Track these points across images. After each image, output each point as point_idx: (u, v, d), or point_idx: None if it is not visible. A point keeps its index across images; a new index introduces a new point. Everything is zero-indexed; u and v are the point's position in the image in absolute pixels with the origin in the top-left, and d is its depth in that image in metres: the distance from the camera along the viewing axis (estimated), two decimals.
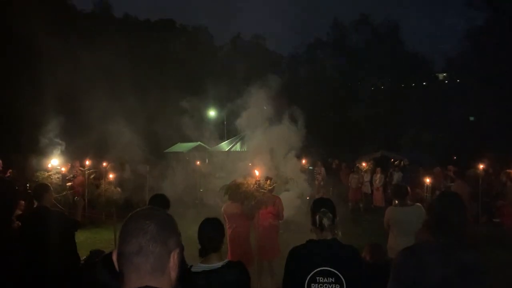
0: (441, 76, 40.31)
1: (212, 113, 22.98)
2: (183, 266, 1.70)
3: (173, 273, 1.24)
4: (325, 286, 2.49)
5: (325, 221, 2.64)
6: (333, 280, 2.48)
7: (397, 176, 14.14)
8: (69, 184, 9.56)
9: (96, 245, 7.81)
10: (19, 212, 7.94)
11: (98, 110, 11.08)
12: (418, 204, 5.01)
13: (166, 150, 16.75)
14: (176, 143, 18.40)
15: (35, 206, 4.38)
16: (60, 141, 9.95)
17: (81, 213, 5.24)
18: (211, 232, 2.77)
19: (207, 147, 17.62)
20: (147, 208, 1.32)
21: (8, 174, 10.63)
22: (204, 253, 2.73)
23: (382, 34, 36.80)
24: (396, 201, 5.20)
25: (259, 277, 5.87)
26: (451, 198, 2.40)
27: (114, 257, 1.24)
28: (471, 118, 28.72)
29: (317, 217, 2.66)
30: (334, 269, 2.49)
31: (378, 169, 14.27)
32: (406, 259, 2.24)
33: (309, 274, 2.50)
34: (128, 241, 1.21)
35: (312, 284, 2.50)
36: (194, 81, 18.79)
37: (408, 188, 5.16)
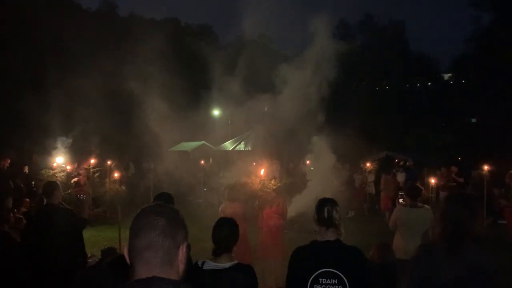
0: (446, 76, 40.05)
1: (216, 112, 22.97)
2: (189, 260, 1.72)
3: (181, 265, 1.30)
4: (328, 287, 2.47)
5: (335, 214, 2.60)
6: (336, 282, 2.47)
7: (400, 177, 14.07)
8: (74, 180, 9.64)
9: (101, 243, 7.85)
10: (24, 209, 8.02)
11: (102, 109, 11.13)
12: (427, 206, 4.97)
13: (170, 149, 16.80)
14: (180, 142, 18.44)
15: (44, 203, 4.42)
16: (65, 140, 10.02)
17: (87, 211, 5.27)
18: (226, 231, 2.78)
19: (211, 146, 17.65)
20: (156, 205, 1.37)
21: (25, 171, 10.83)
22: (216, 252, 2.74)
23: (388, 34, 36.63)
24: (401, 200, 5.16)
25: (261, 276, 5.86)
26: (464, 200, 2.34)
27: (126, 252, 1.30)
28: (473, 120, 28.55)
29: (326, 210, 2.61)
30: (337, 270, 2.48)
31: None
32: (420, 256, 2.26)
33: (312, 275, 2.49)
34: (139, 236, 1.26)
35: (315, 285, 2.48)
36: (198, 80, 18.80)
37: (423, 190, 5.10)
